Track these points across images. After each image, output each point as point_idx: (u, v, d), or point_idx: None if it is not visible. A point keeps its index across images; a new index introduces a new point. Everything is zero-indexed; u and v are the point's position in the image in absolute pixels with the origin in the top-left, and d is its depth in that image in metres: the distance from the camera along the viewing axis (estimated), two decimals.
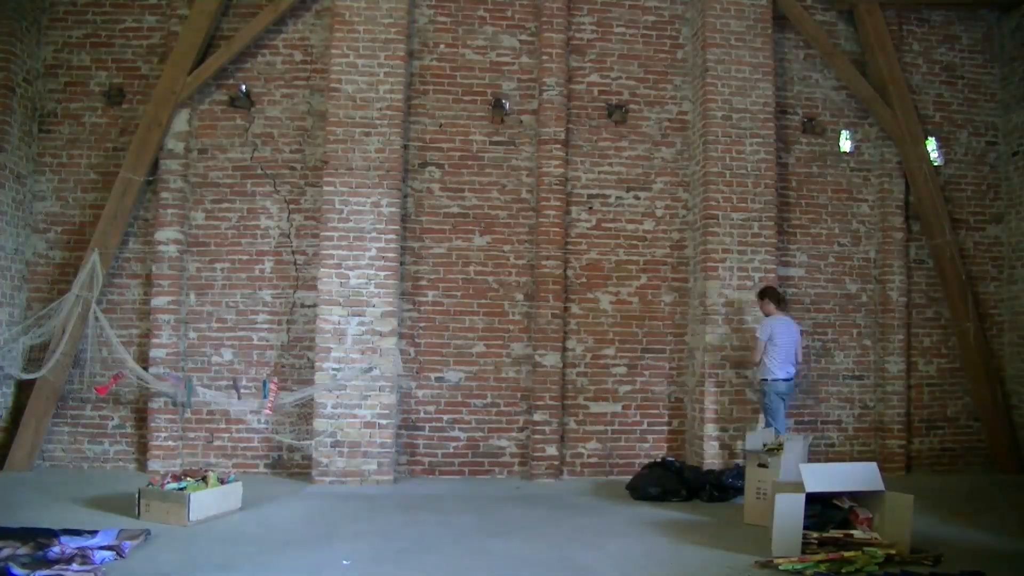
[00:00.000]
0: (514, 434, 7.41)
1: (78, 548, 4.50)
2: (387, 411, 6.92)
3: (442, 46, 7.66)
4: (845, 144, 7.97)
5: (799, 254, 7.83)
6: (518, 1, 7.75)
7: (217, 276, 7.36)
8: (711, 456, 7.17)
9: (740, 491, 6.11)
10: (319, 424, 6.86)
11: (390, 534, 5.23)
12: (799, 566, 4.55)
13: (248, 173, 7.45)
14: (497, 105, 7.59)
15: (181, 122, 7.34)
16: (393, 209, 7.12)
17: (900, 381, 7.81)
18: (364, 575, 4.40)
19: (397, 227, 7.15)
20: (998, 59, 8.38)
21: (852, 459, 7.51)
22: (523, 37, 7.74)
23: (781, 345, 6.73)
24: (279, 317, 7.37)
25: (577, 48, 7.80)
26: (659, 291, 7.66)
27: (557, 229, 7.49)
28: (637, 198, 7.75)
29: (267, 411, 7.05)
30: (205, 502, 5.47)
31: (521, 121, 7.68)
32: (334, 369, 6.90)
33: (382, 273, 7.01)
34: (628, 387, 7.57)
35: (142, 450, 7.17)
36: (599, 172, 7.72)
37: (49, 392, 7.03)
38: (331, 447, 6.84)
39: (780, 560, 4.63)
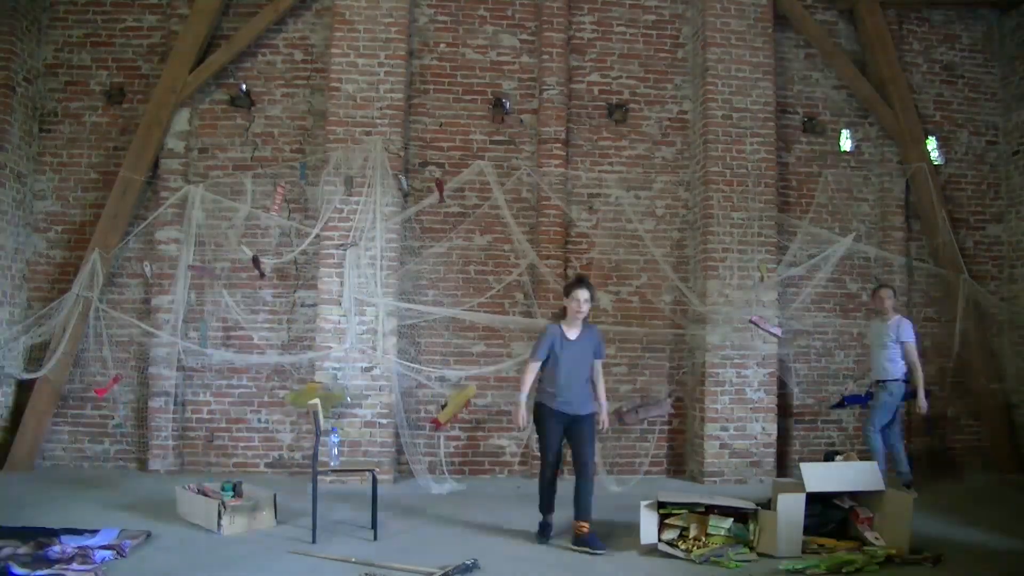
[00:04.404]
0: (515, 433, 7.41)
1: (79, 547, 4.51)
2: (387, 411, 6.92)
3: (442, 45, 7.66)
4: (845, 143, 7.98)
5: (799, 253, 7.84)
6: (518, 0, 7.75)
7: (218, 275, 7.35)
8: (711, 456, 7.17)
9: None
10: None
11: (392, 534, 5.24)
12: (799, 565, 4.56)
13: (249, 172, 7.44)
14: (497, 104, 7.59)
15: (181, 121, 7.34)
16: (393, 209, 7.12)
17: None
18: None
19: (397, 227, 7.15)
20: (998, 58, 8.38)
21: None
22: (523, 36, 7.74)
23: None
24: (279, 316, 7.37)
25: (577, 47, 7.80)
26: (659, 290, 7.66)
27: (557, 228, 7.49)
28: (637, 197, 7.75)
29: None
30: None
31: (521, 120, 7.68)
32: (334, 369, 6.90)
33: (382, 273, 7.00)
34: (628, 387, 7.57)
35: (142, 449, 7.17)
36: (599, 171, 7.72)
37: (50, 391, 7.03)
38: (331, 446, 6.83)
39: (781, 559, 4.65)
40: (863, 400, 7.51)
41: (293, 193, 7.43)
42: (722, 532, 4.87)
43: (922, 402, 6.60)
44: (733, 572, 4.54)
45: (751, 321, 7.16)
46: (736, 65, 7.51)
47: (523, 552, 4.91)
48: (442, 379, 7.25)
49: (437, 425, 6.93)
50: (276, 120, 7.53)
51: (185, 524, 5.32)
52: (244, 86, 7.41)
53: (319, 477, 5.32)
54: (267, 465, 7.26)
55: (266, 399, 7.30)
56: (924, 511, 5.64)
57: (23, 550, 4.45)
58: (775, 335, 7.23)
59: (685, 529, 4.94)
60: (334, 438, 5.86)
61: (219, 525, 5.12)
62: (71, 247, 7.39)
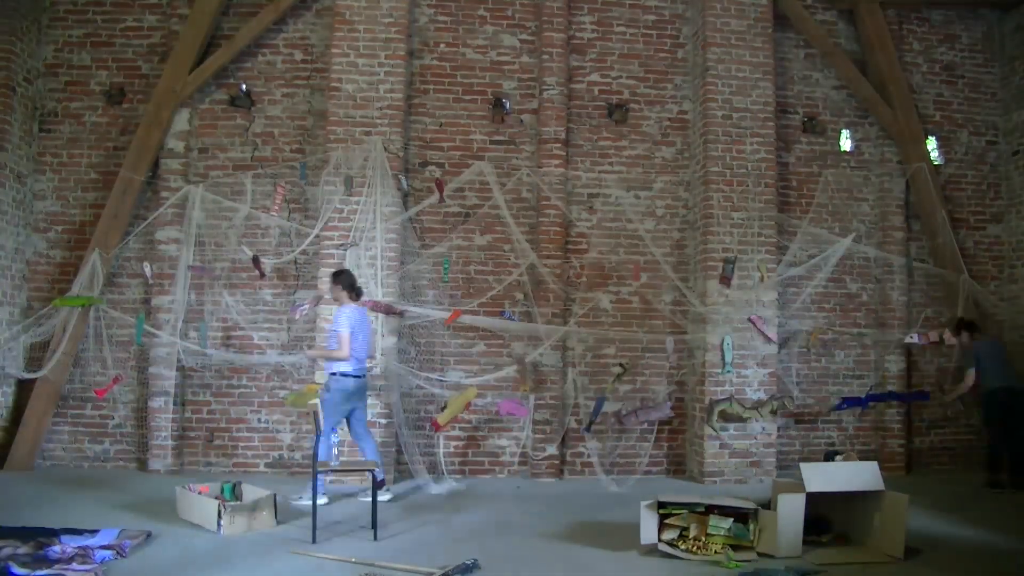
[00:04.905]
0: (514, 433, 7.41)
1: (78, 547, 4.51)
2: (387, 411, 6.92)
3: (442, 45, 7.66)
4: (845, 143, 7.98)
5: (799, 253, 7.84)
6: (518, 0, 7.75)
7: (218, 275, 7.36)
8: (711, 456, 7.17)
9: None
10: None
11: (392, 534, 5.24)
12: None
13: (249, 172, 7.44)
14: (497, 104, 7.59)
15: (182, 121, 7.34)
16: (393, 209, 7.12)
17: (900, 381, 7.81)
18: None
19: (397, 227, 7.15)
20: (998, 58, 8.39)
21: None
22: (523, 36, 7.74)
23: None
24: (279, 316, 7.37)
25: (577, 47, 7.80)
26: (659, 291, 7.66)
27: (557, 229, 7.49)
28: (637, 197, 7.75)
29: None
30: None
31: (521, 120, 7.68)
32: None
33: (382, 273, 7.00)
34: (628, 387, 7.57)
35: (142, 449, 7.17)
36: (599, 171, 7.72)
37: (50, 391, 7.03)
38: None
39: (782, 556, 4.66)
40: (863, 403, 7.52)
41: (293, 193, 7.43)
42: (722, 532, 4.87)
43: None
44: (733, 572, 4.54)
45: (749, 320, 7.18)
46: (736, 65, 7.51)
47: (523, 552, 4.90)
48: (442, 380, 7.24)
49: (436, 427, 6.93)
50: (276, 120, 7.53)
51: (185, 524, 5.31)
52: (244, 86, 7.41)
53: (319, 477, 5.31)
54: (267, 465, 7.26)
55: (266, 399, 7.30)
56: (924, 510, 5.66)
57: (23, 550, 4.44)
58: (769, 338, 7.24)
59: (685, 529, 4.93)
60: (334, 438, 5.86)
61: (219, 525, 5.11)
62: (71, 247, 7.39)
